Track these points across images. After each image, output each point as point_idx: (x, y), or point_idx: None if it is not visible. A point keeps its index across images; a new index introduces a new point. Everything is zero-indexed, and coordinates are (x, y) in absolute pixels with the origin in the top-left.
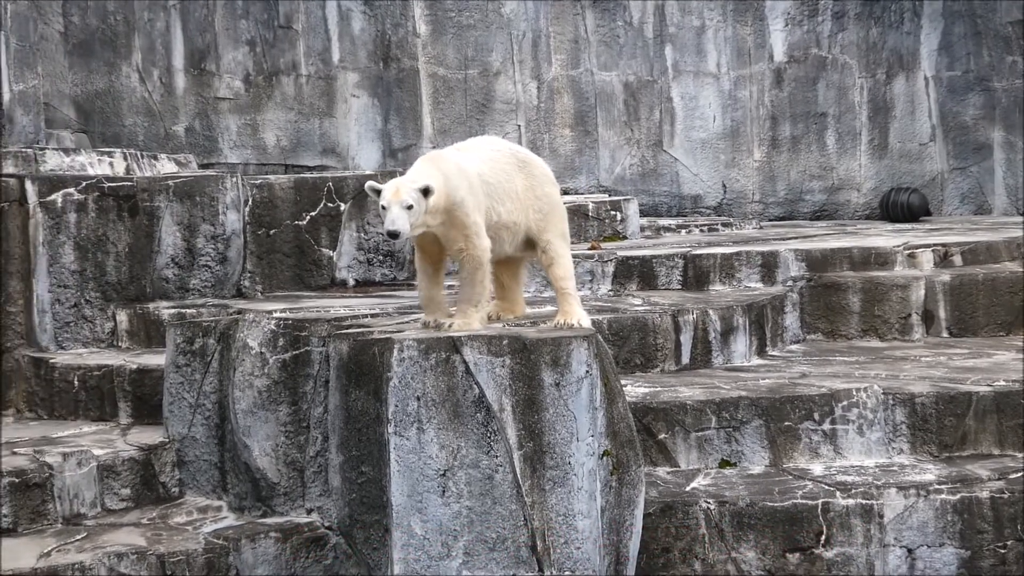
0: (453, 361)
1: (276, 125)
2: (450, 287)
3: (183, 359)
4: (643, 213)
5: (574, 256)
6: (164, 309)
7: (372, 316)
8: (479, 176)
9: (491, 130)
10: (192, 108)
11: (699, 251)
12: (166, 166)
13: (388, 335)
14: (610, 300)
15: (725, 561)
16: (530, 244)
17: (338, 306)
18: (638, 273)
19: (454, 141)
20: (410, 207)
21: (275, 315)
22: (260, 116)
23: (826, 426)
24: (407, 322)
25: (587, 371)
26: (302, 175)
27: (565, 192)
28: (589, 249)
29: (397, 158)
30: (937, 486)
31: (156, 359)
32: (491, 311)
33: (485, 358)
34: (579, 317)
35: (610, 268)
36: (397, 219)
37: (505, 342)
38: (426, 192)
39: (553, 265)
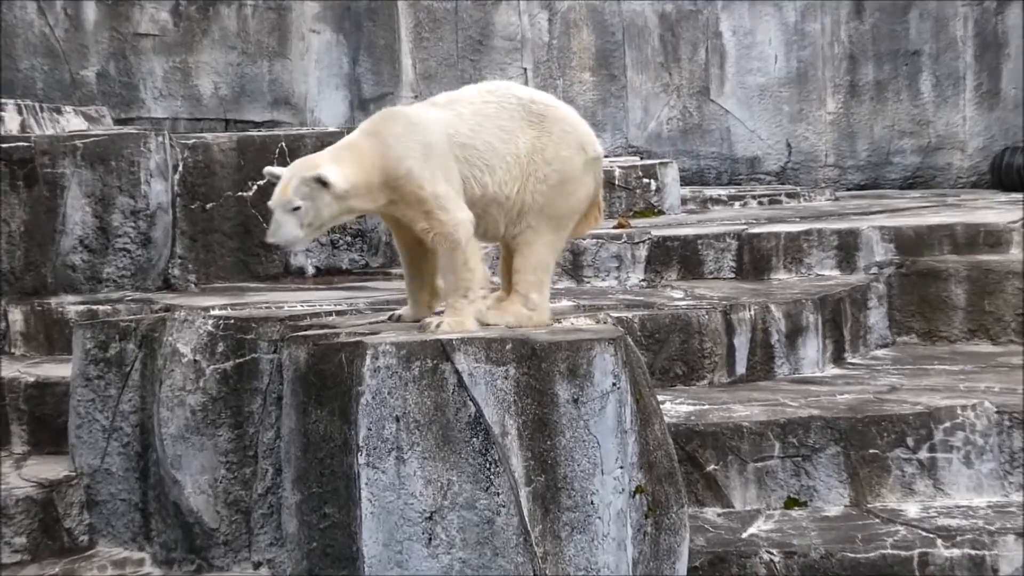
0: (442, 371)
1: (213, 69)
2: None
3: (95, 370)
4: (685, 181)
5: (595, 236)
6: (70, 305)
7: (338, 313)
8: (451, 138)
9: (489, 75)
10: (105, 47)
11: (757, 229)
12: (72, 122)
13: (358, 338)
14: (643, 293)
15: None
16: None
17: (294, 301)
18: (679, 258)
19: (442, 88)
20: (297, 208)
21: (213, 312)
22: (193, 58)
23: (923, 454)
24: (383, 321)
25: (614, 383)
26: (247, 133)
27: None
28: (615, 228)
29: (368, 110)
30: None
31: (60, 370)
32: (491, 306)
33: (483, 367)
34: (515, 317)
35: (642, 252)
36: (280, 227)
37: (508, 346)
38: (323, 182)
39: (516, 254)
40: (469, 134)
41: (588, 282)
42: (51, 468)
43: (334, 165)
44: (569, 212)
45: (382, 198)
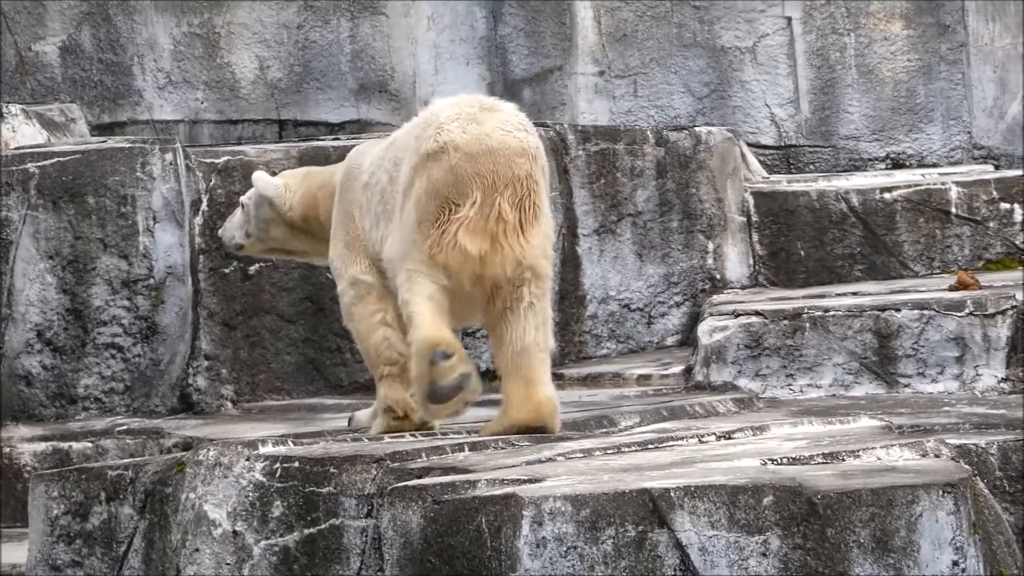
0: (654, 544)
1: (257, 36)
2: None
3: (66, 551)
4: None
5: (918, 305)
6: (24, 443)
7: (472, 447)
8: (354, 177)
9: (724, 32)
10: (75, 5)
11: None
12: (22, 131)
13: (509, 488)
14: (1005, 402)
15: None
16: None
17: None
18: None
19: (638, 56)
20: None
21: (265, 450)
22: (222, 17)
23: None
24: (551, 458)
25: (955, 562)
26: (316, 142)
27: (896, 163)
28: (953, 288)
29: (521, 99)
30: None
31: (9, 552)
32: None
33: (724, 537)
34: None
35: (1002, 330)
36: (229, 221)
37: (768, 500)
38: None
39: None
40: (370, 170)
41: (907, 385)
42: None
43: (289, 180)
44: (401, 233)
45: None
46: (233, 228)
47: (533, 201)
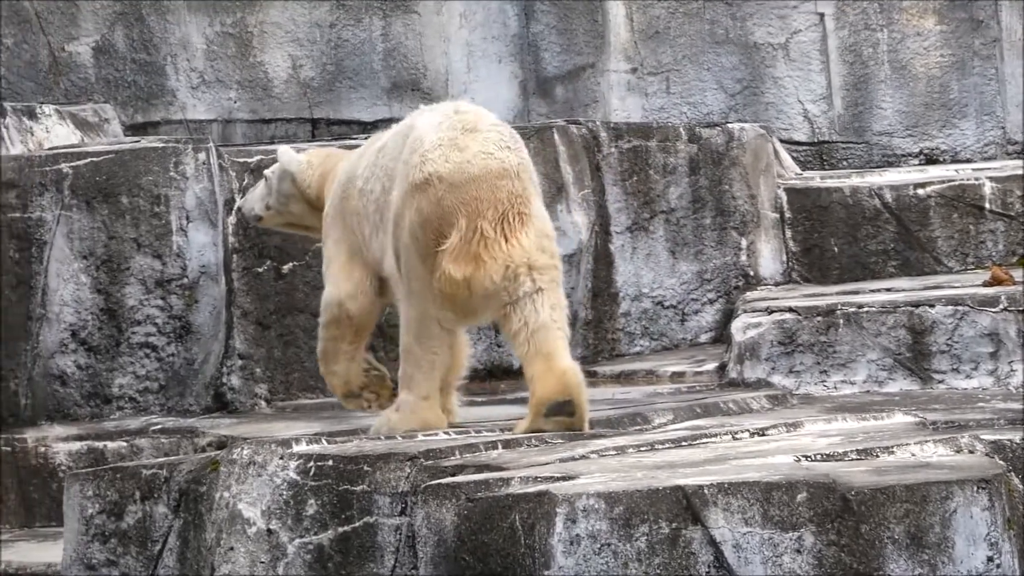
0: (688, 541)
1: (290, 35)
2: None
3: (102, 550)
4: None
5: (951, 301)
6: (58, 442)
7: (506, 444)
8: (352, 182)
9: (757, 28)
10: (108, 5)
11: None
12: (56, 131)
13: (542, 486)
14: None
15: None
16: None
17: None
18: None
19: (670, 53)
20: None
21: (299, 448)
22: (254, 16)
23: None
24: (584, 455)
25: (990, 558)
26: (348, 139)
27: (929, 159)
28: (987, 284)
29: (554, 96)
30: None
31: (43, 551)
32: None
33: (758, 533)
34: (376, 423)
35: None
36: (251, 191)
37: (801, 496)
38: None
39: None
40: (364, 176)
41: (941, 380)
42: None
43: (312, 157)
44: (407, 268)
45: None
46: (254, 200)
47: (518, 211)
